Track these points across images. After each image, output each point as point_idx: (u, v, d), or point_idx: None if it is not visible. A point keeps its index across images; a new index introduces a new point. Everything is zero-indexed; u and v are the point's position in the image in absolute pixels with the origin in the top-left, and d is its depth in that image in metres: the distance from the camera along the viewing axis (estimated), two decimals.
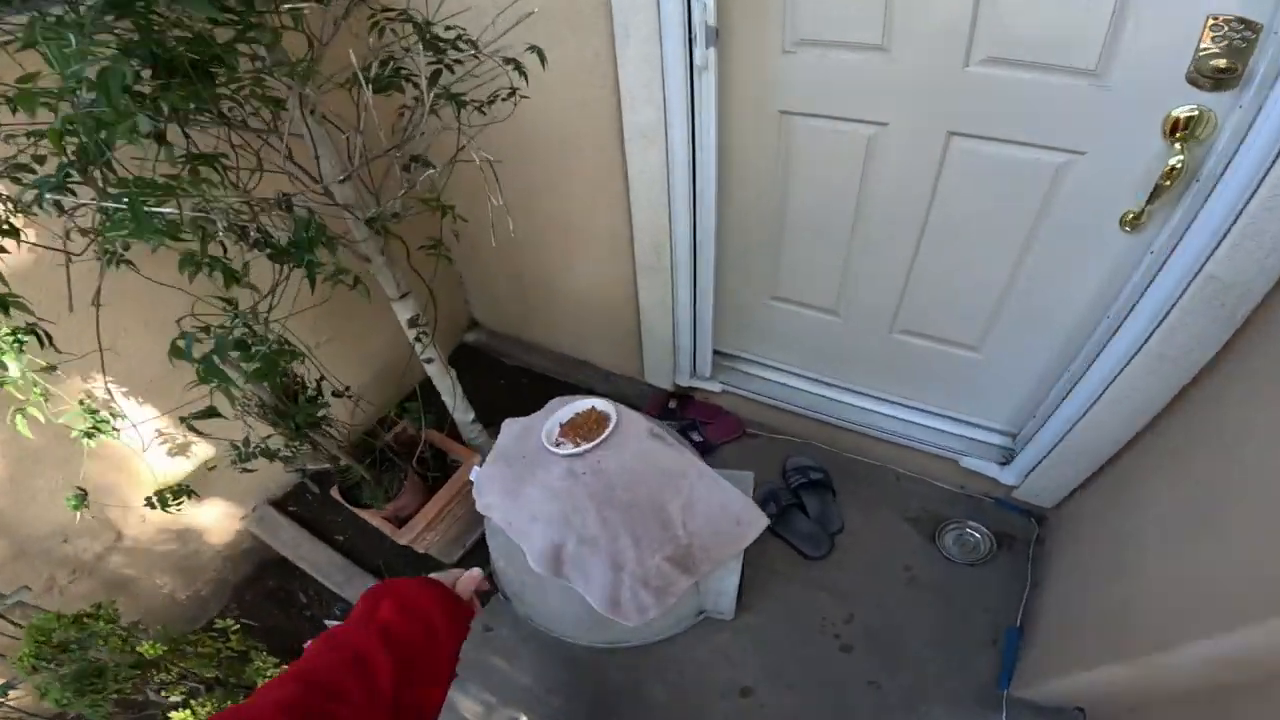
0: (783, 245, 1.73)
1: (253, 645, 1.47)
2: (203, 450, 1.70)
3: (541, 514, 1.39)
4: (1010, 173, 1.31)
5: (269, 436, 1.49)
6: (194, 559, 1.82)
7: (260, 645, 1.48)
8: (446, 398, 1.81)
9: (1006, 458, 1.73)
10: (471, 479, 1.64)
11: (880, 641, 1.61)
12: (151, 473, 1.59)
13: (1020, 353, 1.58)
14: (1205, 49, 1.01)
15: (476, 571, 0.85)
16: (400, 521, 1.76)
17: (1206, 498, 1.09)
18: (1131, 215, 1.22)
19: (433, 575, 0.84)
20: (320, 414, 1.55)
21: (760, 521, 1.44)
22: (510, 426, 1.63)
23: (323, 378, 1.57)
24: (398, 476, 1.78)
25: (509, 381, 2.39)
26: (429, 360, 1.68)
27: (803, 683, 1.56)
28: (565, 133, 1.66)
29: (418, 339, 1.56)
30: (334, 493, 1.77)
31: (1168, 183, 1.12)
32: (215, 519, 1.84)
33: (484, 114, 1.27)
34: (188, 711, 1.31)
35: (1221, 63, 1.01)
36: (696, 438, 2.07)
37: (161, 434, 1.59)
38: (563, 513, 1.39)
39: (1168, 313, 1.19)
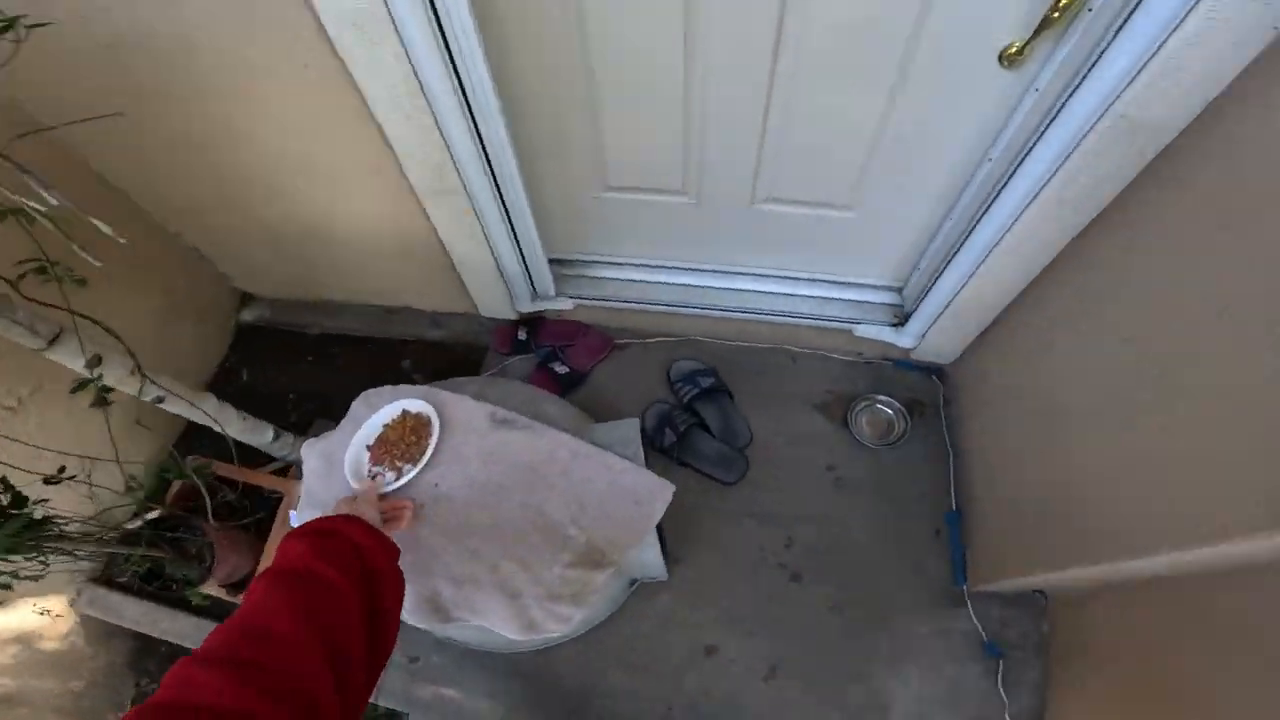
0: (602, 127, 1.31)
1: None
2: None
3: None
4: (869, 7, 0.97)
5: None
6: (65, 655, 1.62)
7: None
8: (223, 428, 1.36)
9: (898, 317, 1.58)
10: (294, 523, 1.29)
11: (827, 561, 1.51)
12: None
13: (898, 206, 1.36)
14: None
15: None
16: (238, 587, 1.42)
17: (1140, 356, 0.97)
18: (1012, 49, 0.94)
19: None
20: (32, 520, 1.10)
21: (664, 491, 1.21)
22: (310, 458, 1.24)
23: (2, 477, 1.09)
24: (204, 541, 1.40)
25: (318, 356, 1.91)
26: (159, 400, 1.20)
27: (763, 626, 1.46)
28: (246, 54, 1.08)
29: (101, 395, 1.07)
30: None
31: (1056, 14, 0.86)
32: (40, 619, 1.58)
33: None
34: None
35: None
36: (561, 369, 1.76)
37: None
38: (416, 563, 1.09)
39: (1069, 155, 0.98)
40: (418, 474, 1.12)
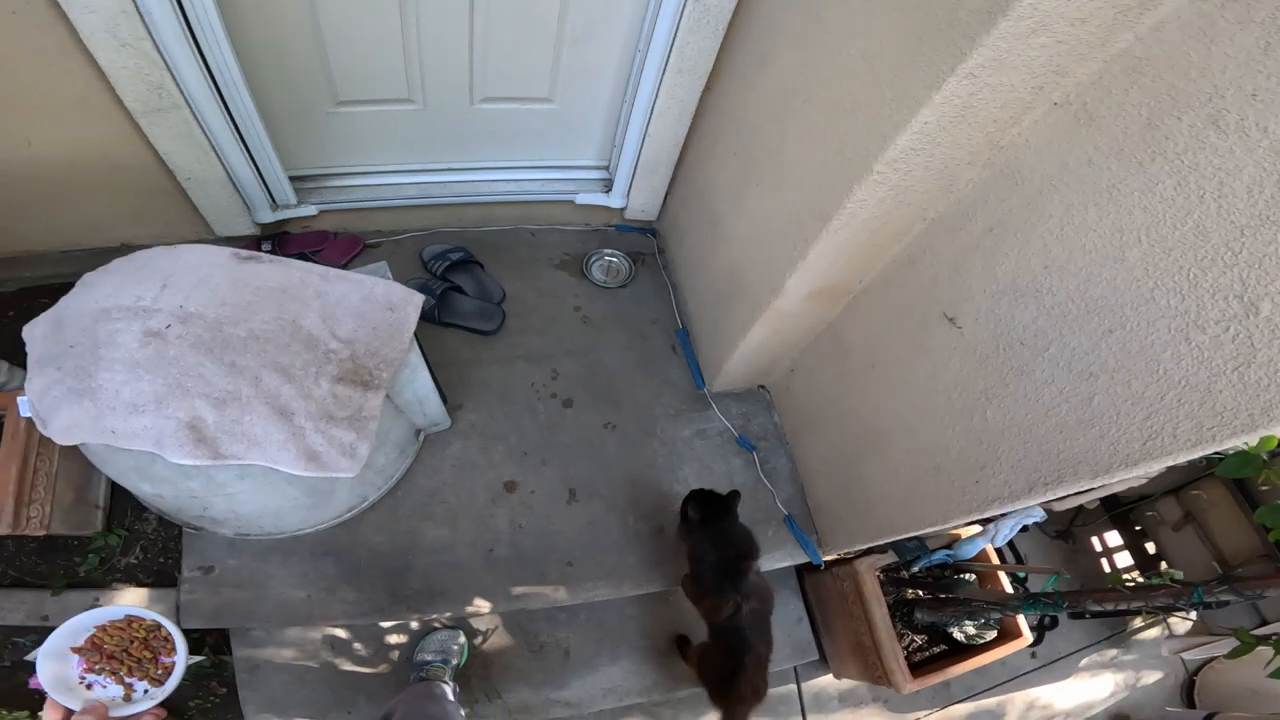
0: (325, 41, 1.48)
1: None
2: None
3: (144, 398, 1.06)
4: None
5: None
6: None
7: None
8: None
9: (607, 185, 2.04)
10: (24, 413, 1.21)
11: (592, 385, 1.87)
12: None
13: (585, 95, 1.79)
14: None
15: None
16: None
17: (746, 163, 1.54)
18: None
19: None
20: None
21: (414, 298, 1.32)
22: (32, 329, 1.17)
23: None
24: None
25: (21, 311, 1.69)
26: None
27: (552, 454, 1.74)
28: None
29: None
30: None
31: None
32: None
33: None
34: None
35: None
36: None
37: None
38: (171, 382, 1.07)
39: (675, 33, 1.48)
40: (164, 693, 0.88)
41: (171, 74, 1.30)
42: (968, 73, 0.90)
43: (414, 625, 1.63)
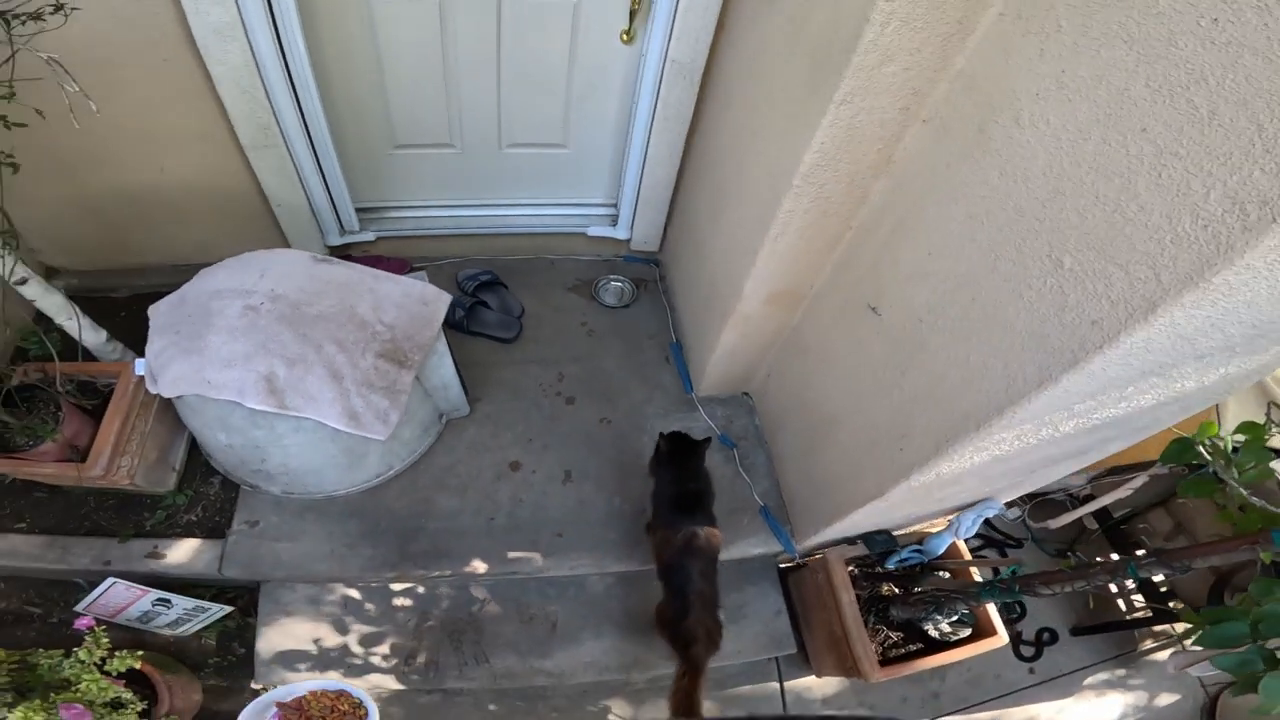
0: (389, 98, 1.90)
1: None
2: None
3: (236, 355, 1.41)
4: (544, 12, 1.74)
5: None
6: None
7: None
8: (63, 319, 1.64)
9: (614, 220, 2.37)
10: (139, 372, 1.57)
11: (592, 387, 2.17)
12: None
13: (593, 141, 2.14)
14: None
15: None
16: (82, 456, 1.59)
17: (718, 190, 1.83)
18: (624, 33, 1.74)
19: None
20: None
21: (444, 296, 1.67)
22: (157, 306, 1.57)
23: None
24: (48, 409, 1.59)
25: (131, 313, 2.12)
26: (22, 281, 1.48)
27: (553, 441, 2.02)
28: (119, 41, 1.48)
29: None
30: None
31: (637, 6, 1.67)
32: None
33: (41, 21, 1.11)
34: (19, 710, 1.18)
35: None
36: None
37: None
38: (258, 344, 1.42)
39: (659, 89, 1.82)
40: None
41: (276, 117, 1.71)
42: (843, 99, 1.16)
43: (420, 590, 1.86)
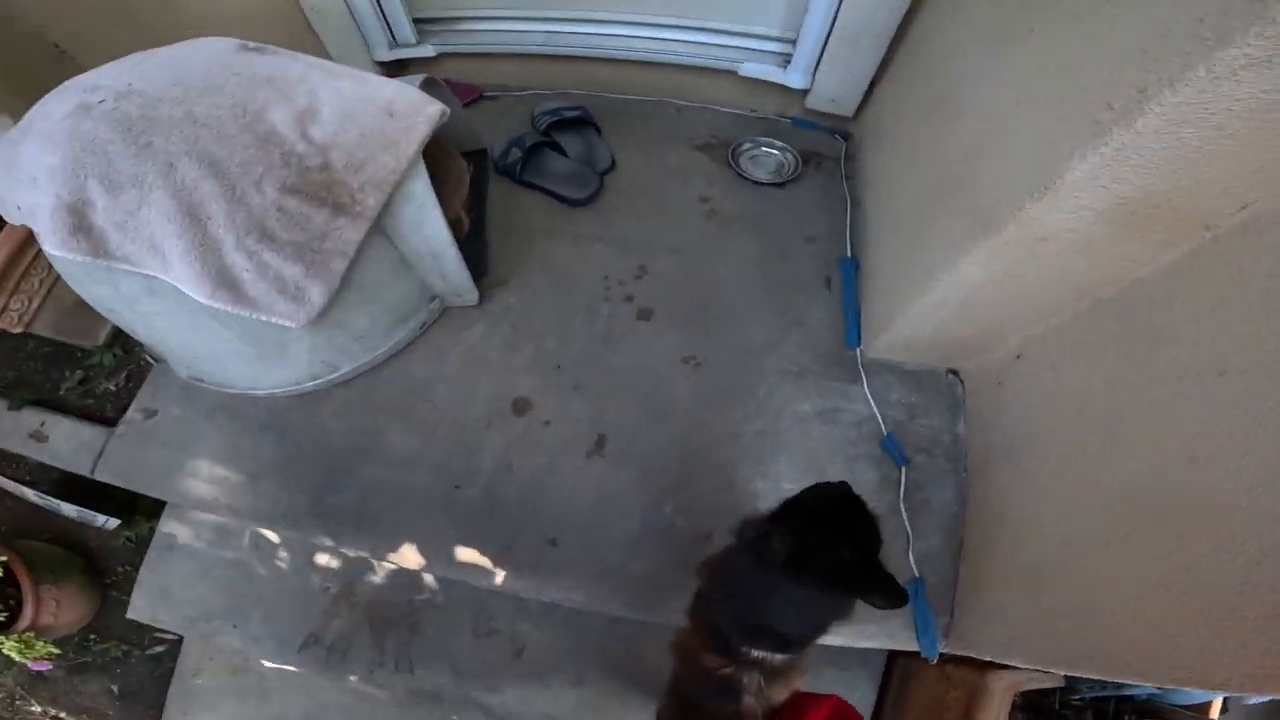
0: None
1: None
2: None
3: (41, 171, 0.84)
4: None
5: None
6: None
7: None
8: None
9: (785, 59, 1.39)
10: None
11: (686, 300, 1.25)
12: None
13: None
14: None
15: None
16: None
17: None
18: None
19: None
20: None
21: (429, 106, 0.96)
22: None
23: None
24: None
25: None
26: None
27: (592, 374, 1.17)
28: None
29: None
30: None
31: None
32: None
33: None
34: None
35: None
36: None
37: None
38: (69, 156, 0.84)
39: None
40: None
41: None
42: None
43: (350, 554, 1.19)
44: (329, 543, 1.08)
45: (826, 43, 1.30)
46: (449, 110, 0.99)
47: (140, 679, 1.39)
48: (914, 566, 1.00)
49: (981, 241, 0.81)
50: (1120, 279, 0.79)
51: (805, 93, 1.46)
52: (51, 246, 0.87)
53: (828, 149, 1.49)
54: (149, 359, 1.25)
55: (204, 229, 0.87)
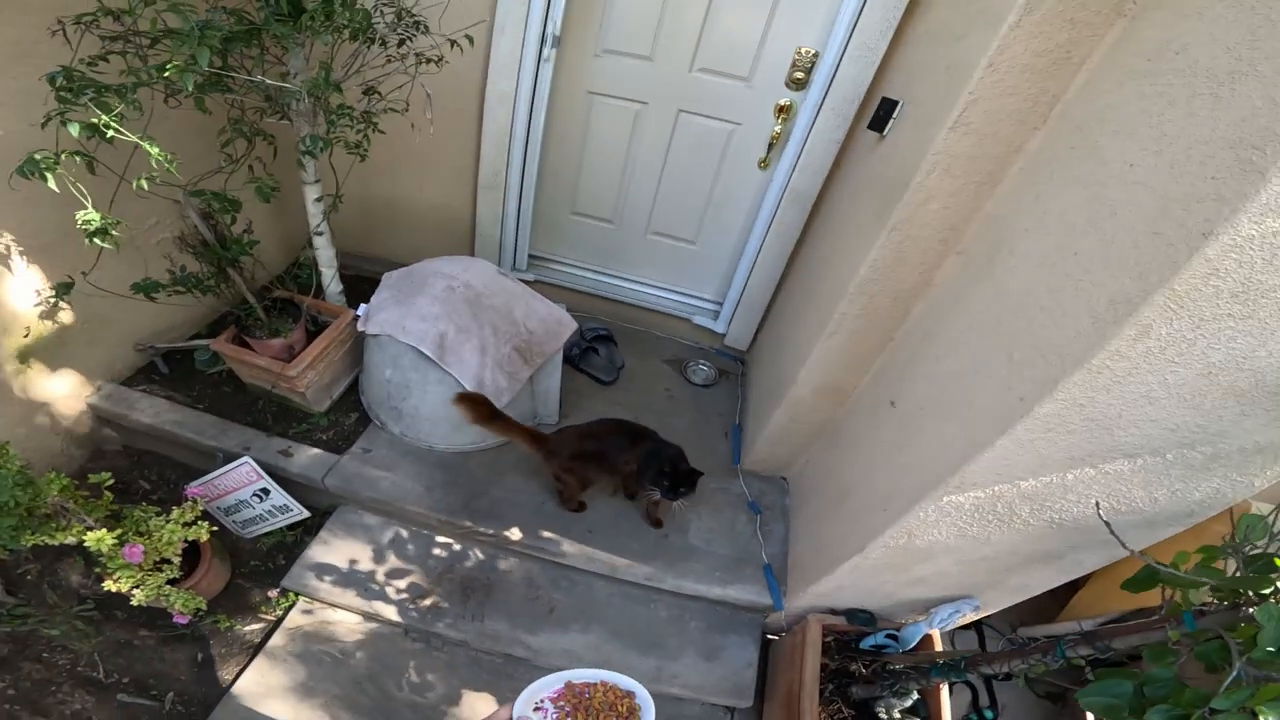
0: (581, 175, 2.57)
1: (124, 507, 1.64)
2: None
3: (429, 314, 1.98)
4: (707, 135, 2.34)
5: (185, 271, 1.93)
6: (32, 439, 1.97)
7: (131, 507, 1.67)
8: (325, 268, 2.29)
9: (716, 315, 2.83)
10: (358, 313, 2.14)
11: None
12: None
13: (716, 243, 2.66)
14: (794, 64, 2.07)
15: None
16: (290, 356, 2.13)
17: (804, 298, 2.24)
18: (761, 159, 2.29)
19: None
20: (248, 247, 2.00)
21: (570, 323, 2.22)
22: (392, 274, 2.20)
23: (250, 226, 2.03)
24: (287, 320, 2.18)
25: (347, 287, 2.82)
26: (320, 233, 2.16)
27: None
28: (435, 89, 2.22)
29: (326, 212, 2.08)
30: (221, 342, 2.11)
31: (774, 140, 2.21)
32: (61, 394, 2.03)
33: (436, 65, 1.87)
34: (103, 531, 1.48)
35: (800, 75, 2.08)
36: None
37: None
38: (445, 311, 1.99)
39: (777, 209, 2.32)
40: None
41: (507, 169, 2.41)
42: (893, 226, 1.54)
43: (457, 546, 2.19)
44: (469, 524, 2.11)
45: (736, 308, 2.69)
46: (576, 326, 2.27)
47: (229, 650, 1.90)
48: (765, 558, 2.17)
49: (780, 403, 2.13)
50: (830, 421, 2.13)
51: (724, 335, 2.84)
52: (426, 350, 1.95)
53: (732, 368, 2.89)
54: (377, 420, 2.30)
55: (484, 359, 2.01)
